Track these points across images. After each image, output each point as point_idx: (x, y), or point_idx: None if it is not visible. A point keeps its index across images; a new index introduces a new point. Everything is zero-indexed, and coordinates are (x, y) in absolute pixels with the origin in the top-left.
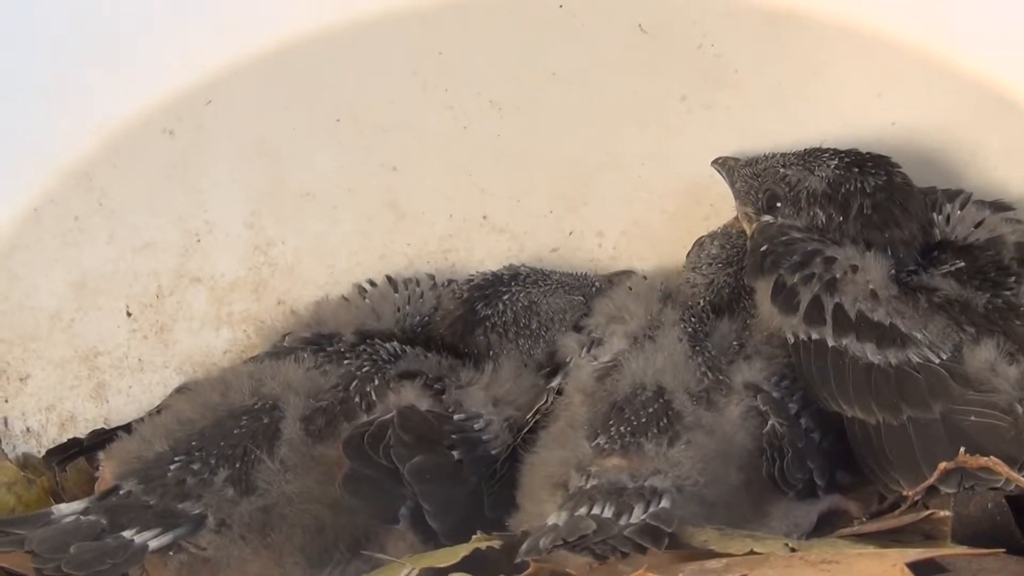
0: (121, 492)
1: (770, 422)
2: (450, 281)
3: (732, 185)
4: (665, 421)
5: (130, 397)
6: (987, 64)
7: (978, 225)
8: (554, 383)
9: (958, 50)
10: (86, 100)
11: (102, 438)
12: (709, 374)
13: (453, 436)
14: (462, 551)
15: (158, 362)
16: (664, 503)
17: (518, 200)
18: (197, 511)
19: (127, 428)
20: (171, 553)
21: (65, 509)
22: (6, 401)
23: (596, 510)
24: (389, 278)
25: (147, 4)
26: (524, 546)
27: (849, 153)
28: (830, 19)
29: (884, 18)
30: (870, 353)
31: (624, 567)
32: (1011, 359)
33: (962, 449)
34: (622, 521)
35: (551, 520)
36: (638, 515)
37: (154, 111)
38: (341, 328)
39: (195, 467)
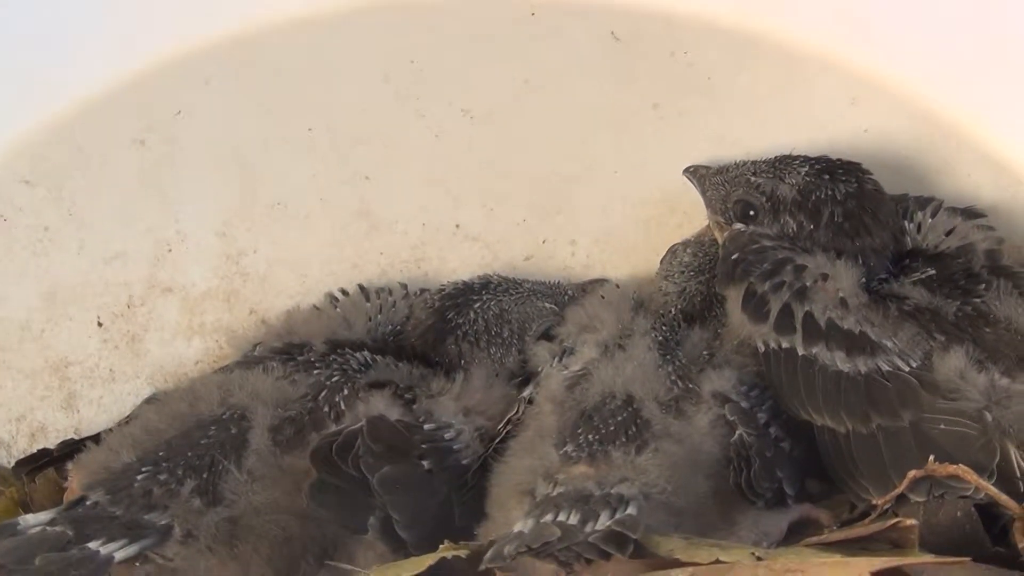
0: (88, 503)
1: (738, 432)
2: (423, 290)
3: (703, 193)
4: (634, 429)
5: (101, 407)
6: (961, 72)
7: (949, 232)
8: (525, 393)
9: (931, 61)
10: (55, 109)
11: (71, 448)
12: (679, 383)
13: (423, 446)
14: (428, 560)
15: (129, 372)
16: (630, 510)
17: (491, 209)
18: (164, 522)
19: (96, 439)
20: (137, 564)
21: (32, 520)
22: None
23: (562, 517)
24: (361, 287)
25: (116, 13)
26: (489, 553)
27: (820, 160)
28: (803, 30)
29: (857, 36)
30: (840, 361)
31: (589, 575)
32: (980, 367)
33: (931, 457)
34: (587, 528)
35: (517, 527)
36: (604, 522)
37: (125, 121)
38: (312, 337)
39: (162, 477)
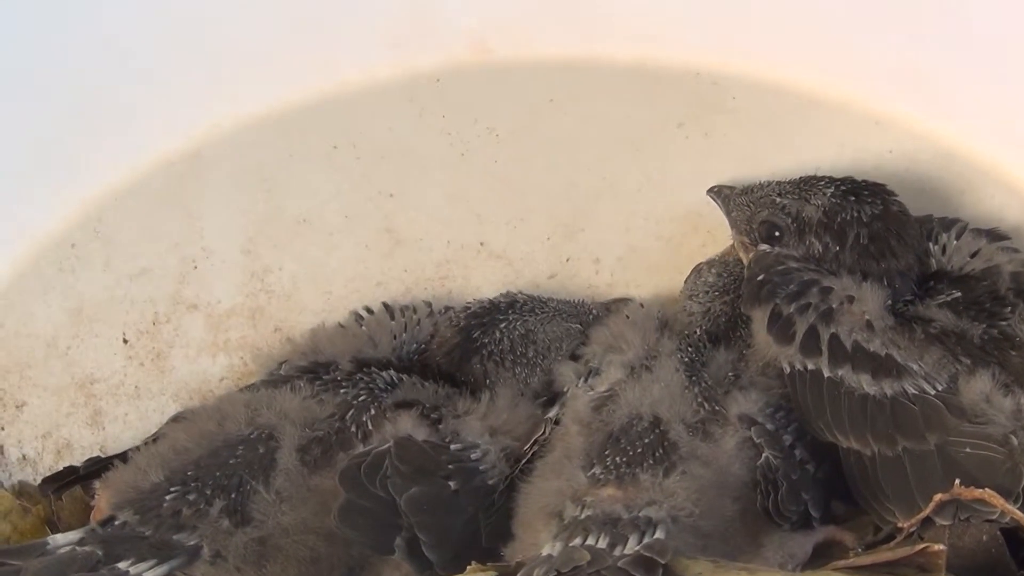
0: (117, 523)
1: (764, 454)
2: (447, 308)
3: (728, 214)
4: (661, 452)
5: (126, 424)
6: (983, 91)
7: (974, 255)
8: (551, 413)
9: (956, 80)
10: (82, 127)
11: (98, 466)
12: (705, 405)
13: (450, 466)
14: None
15: (155, 389)
16: (659, 534)
17: (515, 227)
18: (193, 542)
19: (123, 457)
20: None
21: (61, 540)
22: (2, 428)
23: (591, 540)
24: (386, 305)
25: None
26: None
27: (845, 181)
28: (828, 50)
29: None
30: (865, 384)
31: None
32: (1006, 390)
33: (957, 481)
34: (616, 552)
35: (545, 551)
36: (632, 546)
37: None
38: (338, 356)
39: (191, 497)
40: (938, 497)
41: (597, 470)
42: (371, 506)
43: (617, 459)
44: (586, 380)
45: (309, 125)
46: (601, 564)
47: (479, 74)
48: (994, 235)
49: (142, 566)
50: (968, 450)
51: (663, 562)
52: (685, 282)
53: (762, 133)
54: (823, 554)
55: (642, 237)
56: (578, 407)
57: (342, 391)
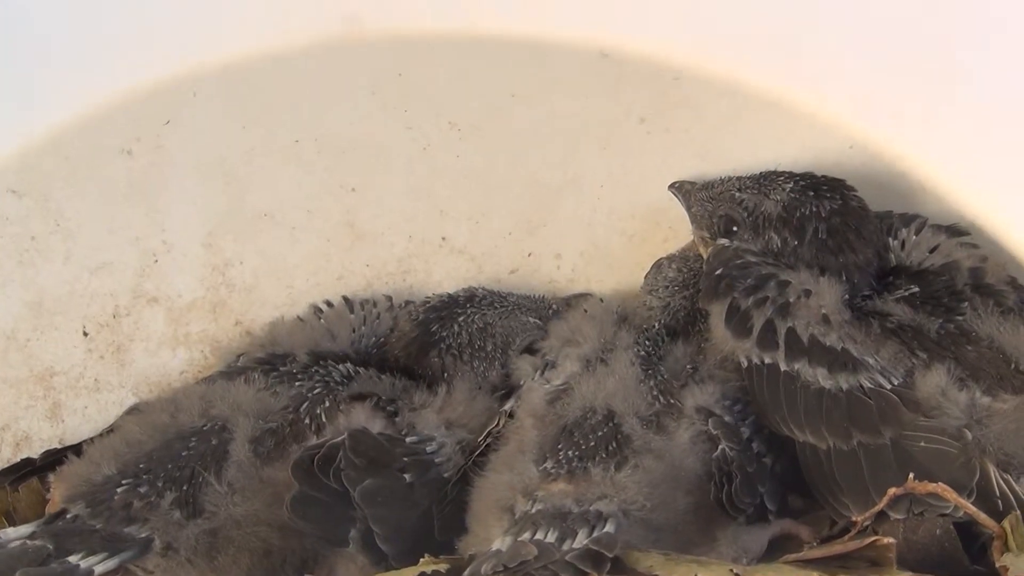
0: (68, 516)
1: (720, 446)
2: (408, 302)
3: (688, 209)
4: (614, 445)
5: (86, 417)
6: (946, 89)
7: (933, 250)
8: (506, 406)
9: (918, 78)
10: (44, 120)
11: (54, 458)
12: (661, 398)
13: (405, 459)
14: (409, 574)
15: (114, 382)
16: (609, 528)
17: (477, 221)
18: (144, 535)
19: (77, 449)
20: None
21: (12, 533)
22: None
23: (540, 535)
24: (346, 299)
25: (106, 22)
26: (467, 572)
27: (804, 176)
28: (790, 47)
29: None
30: (822, 378)
31: None
32: (961, 384)
33: (911, 475)
34: (565, 546)
35: (495, 545)
36: (581, 540)
37: (112, 131)
38: (295, 349)
39: (142, 490)
40: (892, 491)
41: (549, 464)
42: (324, 498)
43: (569, 453)
44: (542, 373)
45: (270, 118)
46: (549, 559)
47: (441, 68)
48: (953, 231)
49: (93, 559)
50: (923, 444)
51: (611, 555)
52: (645, 277)
53: (724, 129)
54: (779, 548)
55: (604, 233)
56: (533, 400)
57: (297, 383)
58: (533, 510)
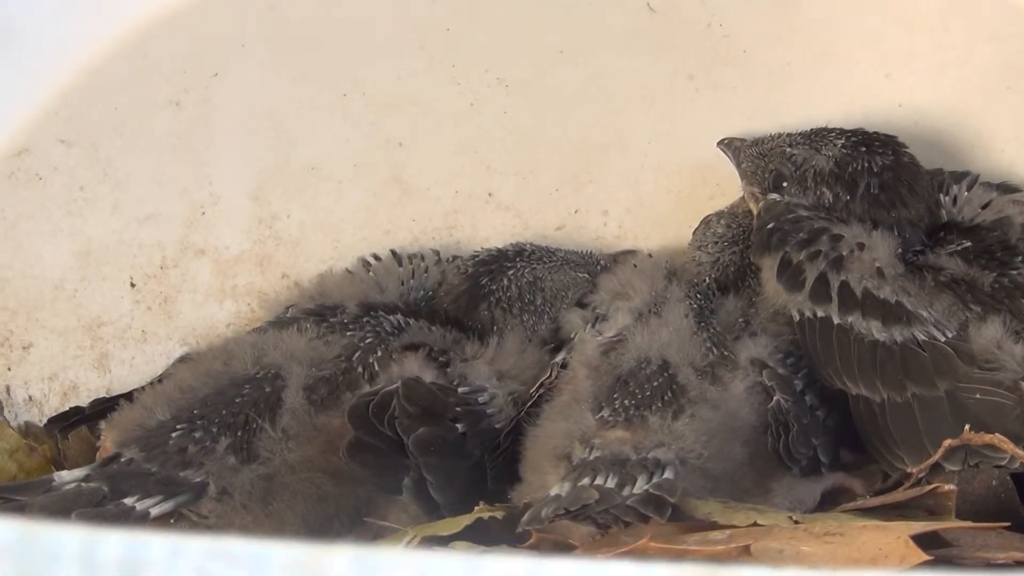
0: (123, 460)
1: (775, 397)
2: (454, 257)
3: (738, 165)
4: (669, 395)
5: (133, 368)
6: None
7: (985, 206)
8: (558, 358)
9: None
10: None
11: (104, 407)
12: (714, 350)
13: (457, 409)
14: (465, 521)
15: (161, 334)
16: (667, 474)
17: (524, 178)
18: (199, 479)
19: (129, 397)
20: (172, 521)
21: (66, 476)
22: (9, 369)
23: (599, 480)
24: (394, 252)
25: None
26: (526, 516)
27: (856, 132)
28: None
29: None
30: (875, 331)
31: (627, 538)
32: (1017, 337)
33: (967, 426)
34: (625, 491)
35: (554, 491)
36: (641, 486)
37: (161, 82)
38: (345, 301)
39: (197, 435)
40: (947, 443)
41: (606, 412)
42: (379, 445)
43: (626, 402)
44: (594, 326)
45: (319, 73)
46: (610, 503)
47: (489, 23)
48: (1005, 188)
49: (148, 502)
50: (978, 396)
51: (673, 500)
52: (694, 233)
53: (772, 86)
54: (831, 501)
55: (651, 190)
56: (586, 351)
57: (348, 333)
58: (591, 457)
